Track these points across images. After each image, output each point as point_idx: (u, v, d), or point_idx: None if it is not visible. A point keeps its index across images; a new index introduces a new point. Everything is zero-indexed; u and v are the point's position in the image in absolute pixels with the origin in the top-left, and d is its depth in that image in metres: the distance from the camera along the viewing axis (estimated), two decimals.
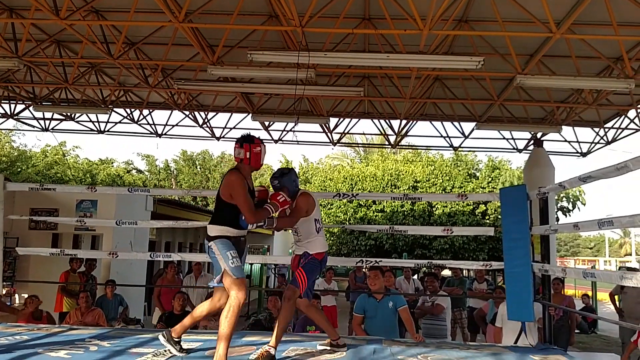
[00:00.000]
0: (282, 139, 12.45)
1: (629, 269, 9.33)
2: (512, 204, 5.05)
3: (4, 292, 6.15)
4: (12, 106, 12.06)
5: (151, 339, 4.43)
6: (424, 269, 8.30)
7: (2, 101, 11.89)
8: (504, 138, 12.38)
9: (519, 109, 10.41)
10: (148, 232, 11.35)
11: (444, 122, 11.66)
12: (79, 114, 12.22)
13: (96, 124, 12.68)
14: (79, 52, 8.18)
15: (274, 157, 74.48)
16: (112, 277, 8.94)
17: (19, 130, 16.04)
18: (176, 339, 3.83)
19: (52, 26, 7.64)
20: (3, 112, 12.22)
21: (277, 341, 3.74)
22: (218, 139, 12.59)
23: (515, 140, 12.46)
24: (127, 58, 8.24)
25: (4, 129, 16.75)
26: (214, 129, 12.40)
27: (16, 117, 12.33)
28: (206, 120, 11.97)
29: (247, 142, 3.66)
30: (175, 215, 11.94)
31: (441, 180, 19.26)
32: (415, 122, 11.60)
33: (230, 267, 3.51)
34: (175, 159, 33.63)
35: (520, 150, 12.55)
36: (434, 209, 18.56)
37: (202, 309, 3.84)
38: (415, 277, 11.62)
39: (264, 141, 3.75)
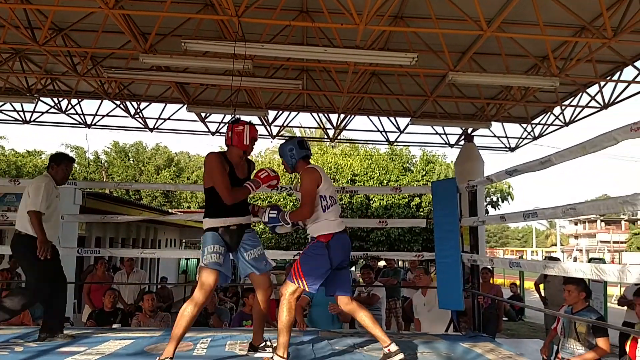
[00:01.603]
0: (219, 131, 12.24)
1: (552, 258, 9.88)
2: (442, 196, 5.22)
3: None
4: None
5: (82, 337, 4.29)
6: (361, 260, 8.45)
7: None
8: (436, 133, 12.75)
9: (451, 105, 10.71)
10: (77, 227, 10.87)
11: (380, 117, 11.85)
12: (2, 103, 11.48)
13: (21, 113, 11.96)
14: (0, 37, 7.67)
15: (210, 149, 73.25)
16: None
17: None
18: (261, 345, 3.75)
19: None
20: None
21: (283, 348, 3.31)
22: (151, 130, 12.20)
23: (448, 136, 12.86)
24: (54, 45, 7.82)
25: None
26: (147, 120, 12.01)
27: None
28: (138, 111, 11.54)
29: (231, 123, 3.60)
30: (106, 210, 11.49)
31: (378, 174, 19.64)
32: (353, 116, 11.71)
33: (202, 264, 3.37)
34: (107, 150, 32.38)
35: (452, 145, 12.96)
36: (371, 202, 18.90)
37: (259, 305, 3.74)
38: (353, 268, 11.80)
39: (254, 125, 3.64)
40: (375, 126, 12.32)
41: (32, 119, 11.96)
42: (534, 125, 11.73)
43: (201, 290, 3.33)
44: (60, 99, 11.27)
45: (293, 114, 11.83)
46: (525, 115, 11.09)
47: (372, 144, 18.01)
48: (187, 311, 3.30)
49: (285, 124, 12.32)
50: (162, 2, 6.47)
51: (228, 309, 7.84)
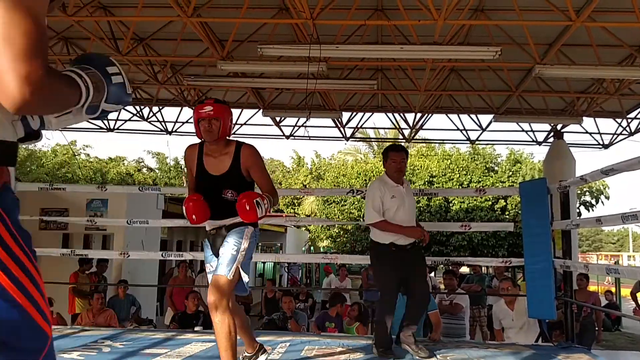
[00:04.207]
0: (294, 135, 12.30)
1: None
2: (532, 198, 4.88)
3: None
4: None
5: (164, 339, 4.37)
6: (441, 266, 8.14)
7: None
8: (523, 130, 12.11)
9: (538, 100, 10.16)
10: (160, 231, 11.28)
11: (460, 115, 11.43)
12: None
13: (105, 122, 12.62)
14: (87, 49, 8.09)
15: (285, 153, 74.56)
16: (124, 277, 8.86)
17: None
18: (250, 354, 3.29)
19: (60, 23, 7.52)
20: None
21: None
22: (229, 135, 12.44)
23: (535, 133, 12.18)
24: (136, 54, 8.13)
25: None
26: None
27: None
28: None
29: None
30: None
31: (458, 175, 19.00)
32: (430, 115, 11.39)
33: None
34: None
35: (539, 143, 12.28)
36: (451, 205, 18.31)
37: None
38: (432, 274, 11.44)
39: (202, 102, 3.01)
40: (455, 125, 11.89)
41: (115, 127, 12.56)
42: (629, 120, 10.86)
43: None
44: (142, 107, 11.76)
45: (367, 115, 11.68)
46: (620, 109, 10.28)
47: (452, 143, 17.52)
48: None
49: (359, 125, 12.18)
50: (238, 9, 6.54)
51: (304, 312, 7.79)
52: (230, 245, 2.88)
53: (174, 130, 12.52)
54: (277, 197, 3.01)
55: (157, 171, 32.80)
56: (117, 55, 7.57)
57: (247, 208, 2.75)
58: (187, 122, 12.36)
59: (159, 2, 6.46)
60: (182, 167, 33.68)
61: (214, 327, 2.82)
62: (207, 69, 8.82)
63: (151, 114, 11.94)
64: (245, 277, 2.92)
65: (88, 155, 26.67)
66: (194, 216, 2.91)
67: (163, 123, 12.37)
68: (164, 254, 6.41)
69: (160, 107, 11.91)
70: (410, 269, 3.95)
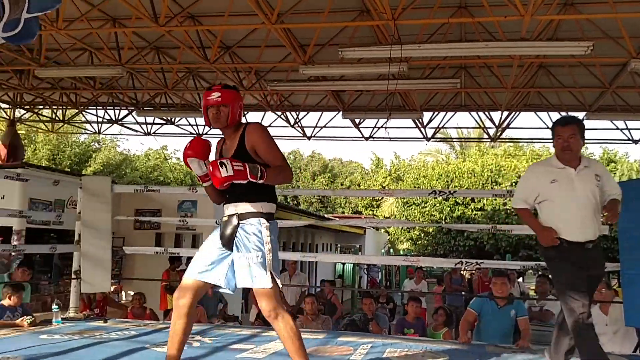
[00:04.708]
0: (373, 136, 12.29)
1: None
2: (630, 199, 4.56)
3: (112, 289, 6.53)
4: (117, 112, 12.90)
5: (250, 335, 4.50)
6: (530, 271, 7.80)
7: (107, 107, 12.76)
8: (617, 128, 11.37)
9: (634, 96, 9.52)
10: None
11: (549, 113, 10.90)
12: (179, 118, 12.81)
13: (195, 127, 13.24)
14: (177, 57, 8.54)
15: (364, 155, 74.41)
16: None
17: (123, 135, 17.12)
18: None
19: (152, 33, 8.01)
20: (109, 117, 13.13)
21: None
22: (309, 138, 12.68)
23: (631, 131, 11.41)
24: (223, 62, 8.47)
25: (110, 134, 18.01)
26: (304, 129, 12.51)
27: (120, 122, 13.18)
28: (297, 120, 12.09)
29: None
30: None
31: None
32: (517, 113, 11.00)
33: None
34: None
35: (636, 142, 11.48)
36: None
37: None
38: (520, 279, 11.00)
39: (210, 88, 2.82)
40: (545, 123, 11.36)
41: (204, 132, 13.15)
42: None
43: None
44: None
45: (449, 114, 11.44)
46: None
47: (541, 142, 16.71)
48: None
49: (440, 125, 11.96)
50: (320, 13, 6.64)
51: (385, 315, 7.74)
52: (254, 254, 2.66)
53: None
54: (286, 174, 2.74)
55: None
56: (206, 63, 7.94)
57: (211, 169, 2.53)
58: (269, 126, 12.72)
59: (244, 11, 6.71)
60: None
61: (278, 334, 2.71)
62: (289, 73, 9.03)
63: None
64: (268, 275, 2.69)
65: (178, 159, 28.05)
66: (189, 144, 2.79)
67: None
68: None
69: (245, 112, 12.31)
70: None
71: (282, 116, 11.87)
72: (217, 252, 2.78)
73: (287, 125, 12.13)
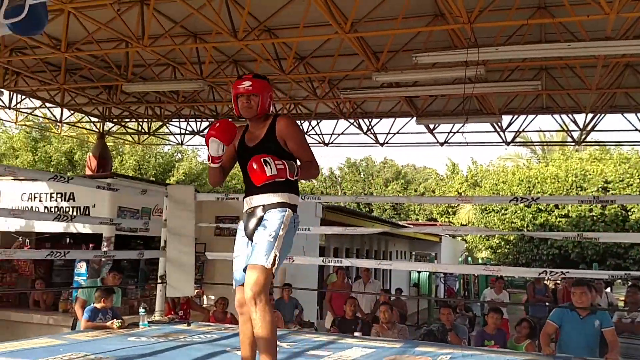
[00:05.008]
0: (449, 142, 12.03)
1: None
2: None
3: (194, 293, 6.78)
4: (198, 124, 13.47)
5: (326, 342, 4.53)
6: (619, 281, 7.31)
7: (189, 119, 13.35)
8: None
9: None
10: (318, 238, 11.75)
11: (638, 114, 10.23)
12: None
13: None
14: (254, 70, 8.81)
15: (438, 161, 73.02)
16: (288, 281, 9.39)
17: (204, 145, 17.86)
18: None
19: (230, 48, 8.31)
20: (191, 129, 13.74)
21: None
22: (382, 144, 12.62)
23: None
24: (297, 72, 8.64)
25: (191, 145, 18.89)
26: (377, 135, 12.48)
27: (202, 133, 13.73)
28: (370, 127, 12.08)
29: None
30: (342, 222, 12.20)
31: (638, 181, 16.94)
32: (603, 115, 10.39)
33: None
34: (340, 166, 34.73)
35: None
36: (629, 213, 16.39)
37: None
38: (608, 289, 10.35)
39: (240, 77, 2.83)
40: (633, 125, 10.65)
41: None
42: None
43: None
44: (302, 121, 12.43)
45: (530, 117, 11.02)
46: None
47: (629, 145, 15.74)
48: None
49: (521, 129, 11.52)
50: (393, 20, 6.62)
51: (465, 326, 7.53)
52: (268, 231, 2.64)
53: (330, 142, 13.03)
54: (314, 170, 2.77)
55: (313, 181, 34.37)
56: (281, 74, 8.12)
57: (254, 167, 2.52)
58: (342, 133, 12.83)
59: (318, 22, 6.82)
60: (337, 177, 34.88)
61: (252, 323, 2.59)
62: (362, 81, 9.05)
63: (310, 127, 12.57)
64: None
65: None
66: (217, 124, 2.73)
67: (320, 135, 12.95)
68: (324, 260, 6.68)
69: (318, 121, 12.49)
70: None
71: (354, 123, 11.90)
72: (246, 251, 2.78)
73: (360, 132, 12.15)
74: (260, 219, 2.70)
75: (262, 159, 2.50)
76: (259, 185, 2.60)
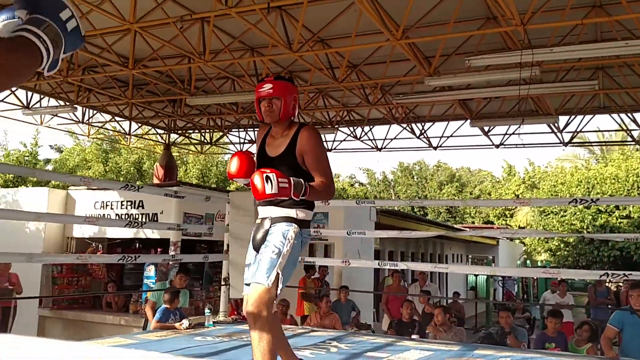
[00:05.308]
0: (504, 144, 11.87)
1: None
2: None
3: None
4: (256, 133, 13.82)
5: (384, 344, 4.63)
6: None
7: (248, 129, 13.78)
8: None
9: None
10: (373, 241, 11.86)
11: None
12: None
13: (324, 143, 13.74)
14: (308, 79, 9.06)
15: (495, 163, 71.19)
16: (344, 284, 9.55)
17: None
18: None
19: (286, 59, 8.58)
20: (249, 138, 14.20)
21: None
22: (435, 148, 12.60)
23: None
24: (350, 80, 8.81)
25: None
26: (430, 139, 12.46)
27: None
28: (423, 131, 12.09)
29: None
30: (396, 225, 12.26)
31: None
32: None
33: None
34: (393, 170, 34.57)
35: None
36: None
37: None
38: None
39: (263, 79, 2.70)
40: None
41: (333, 147, 13.65)
42: None
43: None
44: (354, 128, 12.60)
45: (587, 117, 10.73)
46: None
47: None
48: None
49: (578, 129, 11.23)
50: (445, 24, 6.68)
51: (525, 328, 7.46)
52: (271, 248, 2.55)
53: (383, 147, 13.12)
54: (325, 194, 2.62)
55: (367, 186, 34.41)
56: (334, 82, 8.33)
57: (255, 182, 2.38)
58: (395, 138, 12.89)
59: (370, 30, 6.96)
60: (390, 181, 34.74)
61: (250, 339, 2.52)
62: (414, 85, 9.11)
63: (363, 133, 12.72)
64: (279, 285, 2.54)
65: None
66: (235, 160, 2.67)
67: (373, 141, 13.06)
68: (380, 263, 6.81)
69: (371, 127, 12.62)
70: None
71: (407, 128, 11.95)
72: (255, 262, 2.68)
73: (413, 136, 12.18)
74: (267, 232, 2.63)
75: (264, 175, 2.38)
76: (257, 200, 2.52)
